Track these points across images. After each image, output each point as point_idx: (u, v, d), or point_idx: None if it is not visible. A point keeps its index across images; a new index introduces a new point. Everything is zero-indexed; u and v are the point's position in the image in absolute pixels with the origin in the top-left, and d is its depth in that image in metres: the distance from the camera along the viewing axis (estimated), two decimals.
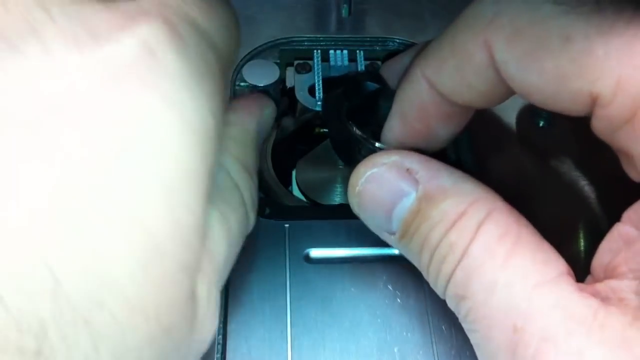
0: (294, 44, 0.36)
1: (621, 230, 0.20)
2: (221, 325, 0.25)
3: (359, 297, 0.26)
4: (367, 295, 0.26)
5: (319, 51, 0.34)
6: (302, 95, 0.33)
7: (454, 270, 0.20)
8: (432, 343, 0.25)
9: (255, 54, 0.35)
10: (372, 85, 0.29)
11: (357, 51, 0.34)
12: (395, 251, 0.28)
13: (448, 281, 0.21)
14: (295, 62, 0.34)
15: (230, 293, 0.26)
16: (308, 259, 0.27)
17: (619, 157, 0.20)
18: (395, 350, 0.25)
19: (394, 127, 0.25)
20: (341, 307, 0.26)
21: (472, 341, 0.21)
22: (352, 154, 0.28)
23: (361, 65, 0.34)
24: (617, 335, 0.17)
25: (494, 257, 0.19)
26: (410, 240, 0.22)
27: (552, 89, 0.19)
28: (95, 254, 0.15)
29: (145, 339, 0.16)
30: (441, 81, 0.22)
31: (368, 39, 0.36)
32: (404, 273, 0.27)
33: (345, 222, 0.28)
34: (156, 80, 0.16)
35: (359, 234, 0.28)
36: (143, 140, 0.16)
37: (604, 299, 0.18)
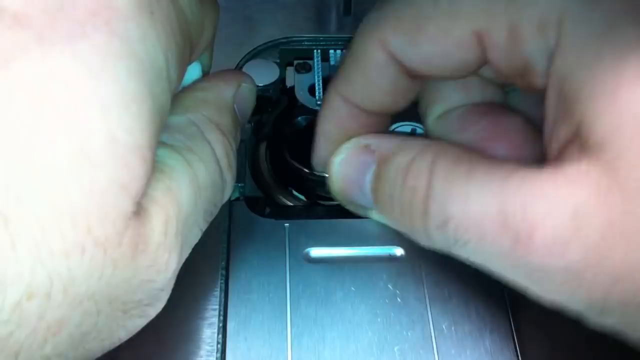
0: (294, 43, 0.36)
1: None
2: (221, 325, 0.25)
3: (359, 296, 0.26)
4: (367, 295, 0.26)
5: (319, 51, 0.34)
6: (302, 95, 0.33)
7: (426, 207, 0.21)
8: (432, 342, 0.25)
9: (255, 54, 0.35)
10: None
11: None
12: (396, 251, 0.28)
13: (426, 219, 0.22)
14: (295, 62, 0.34)
15: (230, 293, 0.26)
16: (308, 258, 0.27)
17: (522, 85, 0.21)
18: (396, 349, 0.25)
19: (319, 147, 0.26)
20: (341, 307, 0.26)
21: (466, 255, 0.21)
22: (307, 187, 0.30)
23: None
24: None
25: (457, 176, 0.21)
26: (383, 205, 0.24)
27: (442, 47, 0.22)
28: (19, 150, 0.15)
29: (74, 246, 0.16)
30: (351, 90, 0.24)
31: None
32: (404, 273, 0.27)
33: (345, 221, 0.28)
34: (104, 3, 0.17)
35: (359, 234, 0.28)
36: (81, 59, 0.17)
37: None
